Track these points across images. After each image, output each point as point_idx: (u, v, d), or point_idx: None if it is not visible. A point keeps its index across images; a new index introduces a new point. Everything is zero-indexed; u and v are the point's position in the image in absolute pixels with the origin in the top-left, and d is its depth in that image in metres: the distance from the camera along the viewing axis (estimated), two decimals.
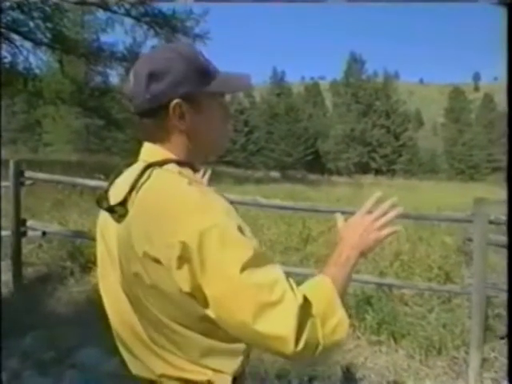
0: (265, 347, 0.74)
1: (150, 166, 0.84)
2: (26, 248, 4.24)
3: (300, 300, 0.73)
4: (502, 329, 3.04)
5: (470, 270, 2.84)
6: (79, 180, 4.20)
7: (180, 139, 0.88)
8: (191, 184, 0.80)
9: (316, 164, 41.49)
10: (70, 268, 4.09)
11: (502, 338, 2.96)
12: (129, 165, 0.94)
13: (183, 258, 0.73)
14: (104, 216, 0.91)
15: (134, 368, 0.91)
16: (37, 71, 13.24)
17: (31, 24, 11.66)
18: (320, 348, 0.74)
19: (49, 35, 12.19)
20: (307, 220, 5.62)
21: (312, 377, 2.68)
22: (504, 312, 3.16)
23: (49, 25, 11.86)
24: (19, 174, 3.85)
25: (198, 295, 0.75)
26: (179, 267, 0.73)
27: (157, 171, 0.84)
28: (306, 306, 0.73)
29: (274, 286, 0.72)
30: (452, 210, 6.37)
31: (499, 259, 4.16)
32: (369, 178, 30.41)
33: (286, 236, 5.26)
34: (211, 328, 0.81)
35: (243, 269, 0.71)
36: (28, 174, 3.95)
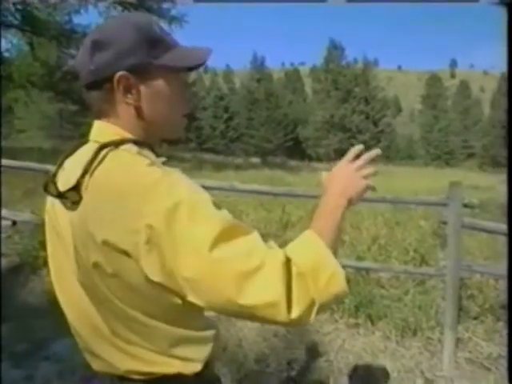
0: (258, 319, 0.68)
1: (104, 146, 0.77)
2: None
3: (282, 260, 0.68)
4: (476, 309, 3.13)
5: (445, 252, 2.89)
6: (51, 167, 4.05)
7: (129, 115, 0.81)
8: (152, 165, 0.74)
9: (296, 150, 41.58)
10: (43, 258, 3.97)
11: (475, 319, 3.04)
12: (78, 146, 0.86)
13: (151, 243, 0.67)
14: (52, 204, 0.84)
15: (96, 365, 0.87)
16: (6, 54, 12.72)
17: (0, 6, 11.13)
18: (316, 306, 0.69)
19: (18, 17, 11.67)
20: (287, 205, 5.62)
21: (290, 360, 2.70)
22: (477, 292, 3.25)
23: (19, 6, 11.36)
24: None
25: (170, 282, 0.69)
26: (148, 253, 0.68)
27: (113, 152, 0.77)
28: (290, 265, 0.68)
29: (251, 253, 0.67)
30: (428, 194, 6.49)
31: (473, 241, 4.26)
32: None
33: (266, 222, 5.24)
34: (179, 317, 0.78)
35: (216, 244, 0.66)
36: None
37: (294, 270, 0.68)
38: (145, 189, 0.70)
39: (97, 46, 0.77)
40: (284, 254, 0.70)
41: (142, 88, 0.80)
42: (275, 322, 0.68)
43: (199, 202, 0.70)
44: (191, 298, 0.70)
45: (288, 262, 0.69)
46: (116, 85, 0.78)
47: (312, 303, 0.68)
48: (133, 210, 0.69)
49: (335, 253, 0.74)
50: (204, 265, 0.66)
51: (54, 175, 0.82)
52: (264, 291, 0.66)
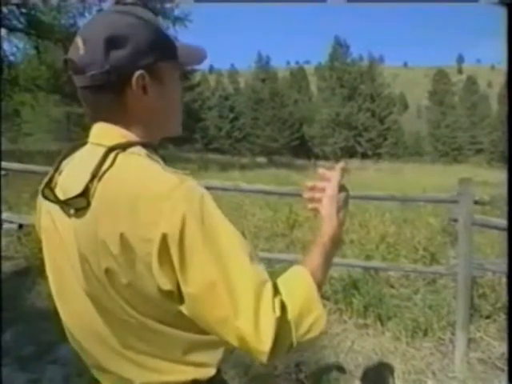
0: (241, 346, 0.68)
1: (112, 149, 0.73)
2: (2, 241, 4.10)
3: (278, 311, 0.67)
4: (488, 308, 3.06)
5: (455, 250, 2.83)
6: None
7: (139, 116, 0.77)
8: (165, 170, 0.72)
9: (302, 149, 41.50)
10: None
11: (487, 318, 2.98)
12: (75, 148, 0.83)
13: (164, 252, 0.67)
14: (49, 214, 0.80)
15: (107, 380, 0.83)
16: (12, 58, 12.85)
17: (5, 10, 11.23)
18: (292, 347, 0.70)
19: (23, 21, 11.78)
20: (294, 205, 5.58)
21: (299, 362, 2.66)
22: (489, 291, 3.18)
23: (23, 10, 11.46)
24: None
25: (176, 292, 0.70)
26: (160, 262, 0.67)
27: (122, 156, 0.73)
28: (283, 315, 0.68)
29: (260, 290, 0.67)
30: (436, 191, 6.41)
31: (483, 239, 4.18)
32: (355, 163, 30.61)
33: (272, 222, 5.21)
34: (193, 322, 0.76)
35: (230, 265, 0.67)
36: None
37: (285, 317, 0.68)
38: (160, 197, 0.68)
39: (112, 43, 0.72)
40: (281, 301, 0.69)
41: (155, 87, 0.77)
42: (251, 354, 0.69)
43: (214, 216, 0.70)
44: (186, 311, 0.71)
45: (283, 309, 0.68)
46: (135, 85, 0.74)
47: (290, 346, 0.70)
48: (147, 218, 0.67)
49: (324, 280, 0.79)
50: (213, 283, 0.66)
51: (51, 180, 0.78)
52: (257, 334, 0.65)
